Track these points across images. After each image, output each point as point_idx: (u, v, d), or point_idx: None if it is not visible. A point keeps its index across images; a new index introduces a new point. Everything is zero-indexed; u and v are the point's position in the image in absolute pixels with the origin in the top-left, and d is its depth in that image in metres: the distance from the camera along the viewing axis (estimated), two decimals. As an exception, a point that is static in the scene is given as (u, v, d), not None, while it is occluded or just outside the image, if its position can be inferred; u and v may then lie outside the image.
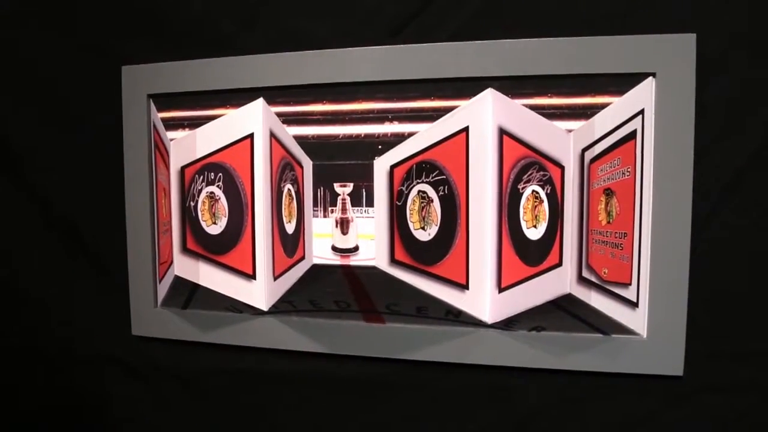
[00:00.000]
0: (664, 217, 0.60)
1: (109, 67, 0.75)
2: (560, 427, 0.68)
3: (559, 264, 0.61)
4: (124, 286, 0.77)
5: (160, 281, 0.75)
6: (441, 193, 0.63)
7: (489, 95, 0.62)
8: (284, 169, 0.68)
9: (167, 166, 0.72)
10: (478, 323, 0.64)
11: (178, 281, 0.73)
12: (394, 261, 0.65)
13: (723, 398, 0.63)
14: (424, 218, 0.63)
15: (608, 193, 0.60)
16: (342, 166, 0.64)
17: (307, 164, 0.68)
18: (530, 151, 0.61)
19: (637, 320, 0.62)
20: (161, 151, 0.73)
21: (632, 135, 0.59)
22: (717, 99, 0.60)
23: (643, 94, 0.59)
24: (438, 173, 0.63)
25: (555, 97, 0.60)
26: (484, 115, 0.62)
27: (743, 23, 0.59)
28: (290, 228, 0.69)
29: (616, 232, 0.60)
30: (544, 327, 0.64)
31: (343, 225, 0.66)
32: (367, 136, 0.63)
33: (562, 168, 0.61)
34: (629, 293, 0.61)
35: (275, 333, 0.72)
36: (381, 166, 0.65)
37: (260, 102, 0.68)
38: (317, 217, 0.67)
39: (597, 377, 0.64)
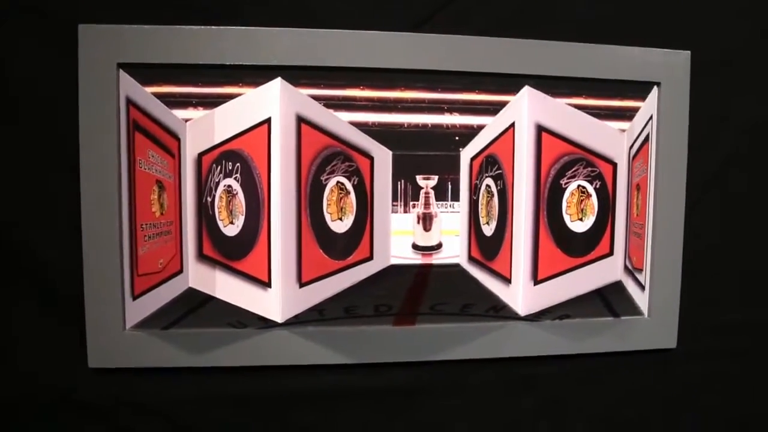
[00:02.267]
0: (662, 208, 0.68)
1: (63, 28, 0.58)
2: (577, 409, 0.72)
3: (611, 253, 0.66)
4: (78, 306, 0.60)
5: (136, 297, 0.60)
6: (499, 187, 0.62)
7: (525, 92, 0.63)
8: (329, 160, 0.60)
9: (172, 153, 0.58)
10: (515, 317, 0.65)
11: (191, 294, 0.60)
12: (471, 258, 0.62)
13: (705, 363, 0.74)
14: (488, 213, 0.62)
15: (638, 188, 0.66)
16: (424, 157, 0.59)
17: (381, 155, 0.61)
18: (575, 148, 0.64)
19: (644, 302, 0.69)
20: (154, 134, 0.58)
21: (648, 138, 0.66)
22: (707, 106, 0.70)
23: (653, 101, 0.67)
24: (497, 167, 0.62)
25: (589, 98, 0.64)
26: (522, 111, 0.63)
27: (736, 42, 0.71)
28: (341, 226, 0.61)
29: (639, 223, 0.67)
30: (568, 315, 0.67)
31: (426, 221, 0.60)
32: (435, 126, 0.59)
33: (614, 164, 0.65)
34: (642, 277, 0.68)
35: (285, 347, 0.63)
36: (465, 158, 0.62)
37: (278, 82, 0.59)
38: (396, 212, 0.60)
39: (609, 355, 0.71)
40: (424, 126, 0.60)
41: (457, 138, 0.61)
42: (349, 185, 0.61)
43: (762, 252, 0.73)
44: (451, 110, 0.61)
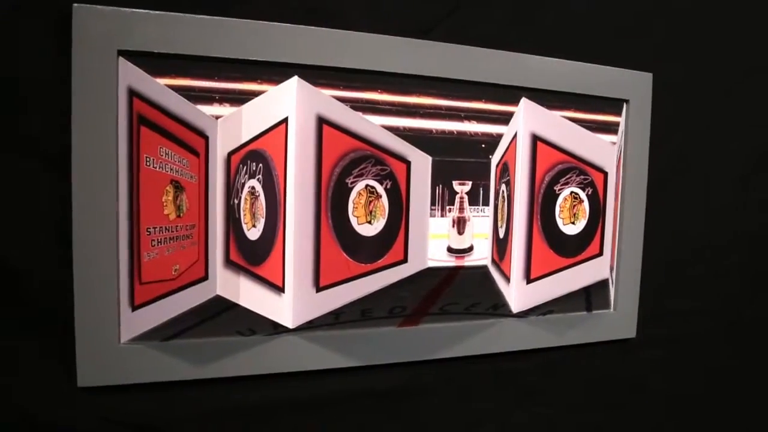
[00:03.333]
0: (627, 211, 0.76)
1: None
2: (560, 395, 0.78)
3: (600, 254, 0.72)
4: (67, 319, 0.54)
5: (134, 308, 0.54)
6: (507, 192, 0.66)
7: (522, 104, 0.67)
8: (356, 164, 0.59)
9: (195, 152, 0.54)
10: (508, 314, 0.69)
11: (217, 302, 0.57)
12: (492, 260, 0.64)
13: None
14: (502, 217, 0.65)
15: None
16: (458, 163, 0.61)
17: (420, 159, 0.62)
18: (569, 157, 0.69)
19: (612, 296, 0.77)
20: (168, 129, 0.53)
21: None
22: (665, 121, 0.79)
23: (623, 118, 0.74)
24: (507, 174, 0.65)
25: (577, 111, 0.70)
26: (519, 122, 0.67)
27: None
28: (369, 230, 0.60)
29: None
30: (552, 310, 0.73)
31: (460, 224, 0.61)
32: (459, 133, 0.61)
33: (605, 173, 0.71)
34: (613, 274, 0.76)
35: (286, 354, 0.61)
36: (493, 164, 0.64)
37: (294, 81, 0.57)
38: (434, 216, 0.60)
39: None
40: (450, 133, 0.62)
41: (483, 145, 0.64)
42: (380, 189, 0.61)
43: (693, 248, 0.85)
44: (468, 118, 0.63)
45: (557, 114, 0.69)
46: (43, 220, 0.54)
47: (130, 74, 0.53)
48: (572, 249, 0.72)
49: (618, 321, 0.78)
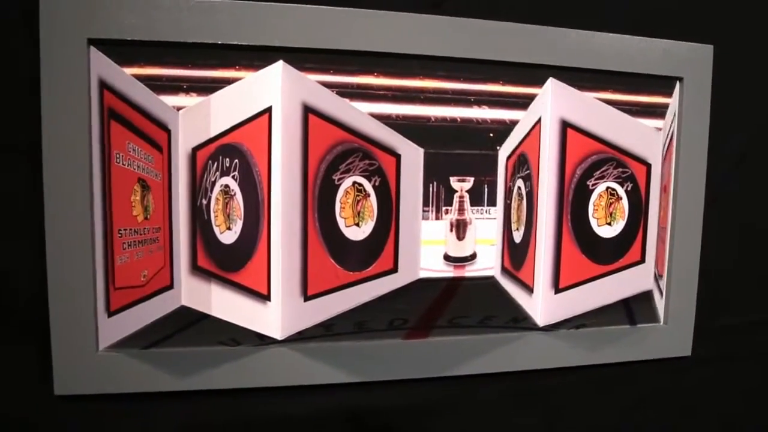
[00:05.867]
0: (681, 211, 0.64)
1: None
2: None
3: (642, 261, 0.62)
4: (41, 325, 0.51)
5: (111, 314, 0.51)
6: (527, 189, 0.57)
7: (549, 85, 0.58)
8: (344, 158, 0.52)
9: (159, 147, 0.49)
10: (533, 327, 0.60)
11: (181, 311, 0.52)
12: (503, 269, 0.56)
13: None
14: (519, 218, 0.56)
15: (665, 191, 0.62)
16: (458, 156, 0.53)
17: (411, 153, 0.54)
18: (605, 146, 0.59)
19: (661, 308, 0.66)
20: (135, 123, 0.49)
21: (673, 137, 0.63)
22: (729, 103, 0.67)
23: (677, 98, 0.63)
24: (527, 168, 0.56)
25: (617, 93, 0.59)
26: (546, 106, 0.58)
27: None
28: (357, 233, 0.53)
29: (663, 227, 0.63)
30: (585, 324, 0.63)
31: (460, 228, 0.54)
32: (464, 120, 0.53)
33: (648, 165, 0.60)
34: (663, 283, 0.65)
35: (281, 366, 0.56)
36: (502, 156, 0.55)
37: (279, 66, 0.51)
38: (426, 219, 0.54)
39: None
40: (453, 120, 0.54)
41: (491, 134, 0.55)
42: (368, 186, 0.53)
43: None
44: (479, 103, 0.55)
45: (591, 96, 0.59)
46: (17, 221, 0.52)
47: (101, 65, 0.49)
48: (608, 254, 0.61)
49: (670, 337, 0.67)
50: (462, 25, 0.56)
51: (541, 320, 0.60)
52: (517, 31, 0.57)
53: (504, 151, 0.57)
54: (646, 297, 0.63)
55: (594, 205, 0.60)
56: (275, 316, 0.53)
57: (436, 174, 0.55)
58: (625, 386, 0.69)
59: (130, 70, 0.49)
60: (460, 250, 0.56)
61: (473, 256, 0.57)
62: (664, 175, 0.63)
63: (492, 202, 0.57)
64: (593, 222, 0.60)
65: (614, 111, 0.59)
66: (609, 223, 0.61)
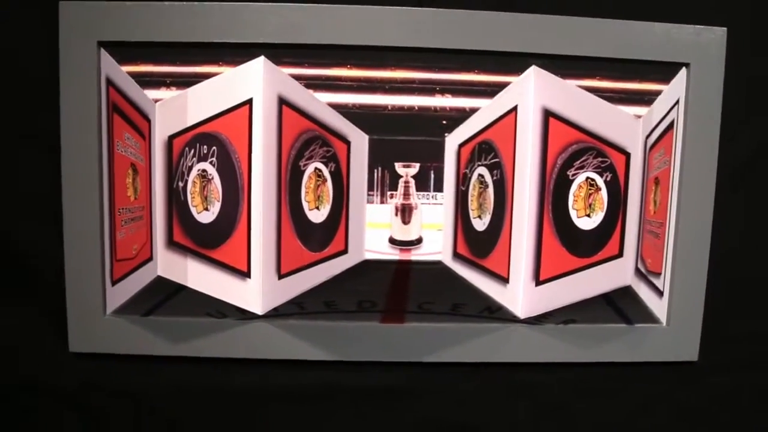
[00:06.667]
0: (687, 205, 0.60)
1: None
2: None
3: (619, 255, 0.59)
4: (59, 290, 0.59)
5: (114, 283, 0.58)
6: (495, 177, 0.57)
7: (531, 73, 0.57)
8: (308, 145, 0.56)
9: (143, 136, 0.56)
10: (513, 319, 0.60)
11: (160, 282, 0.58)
12: (456, 255, 0.57)
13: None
14: (481, 206, 0.56)
15: (657, 182, 0.59)
16: (405, 142, 0.55)
17: (358, 139, 0.57)
18: (585, 136, 0.57)
19: (661, 309, 0.62)
20: (129, 115, 0.56)
21: (672, 125, 0.59)
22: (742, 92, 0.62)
23: (680, 85, 0.59)
24: (493, 155, 0.56)
25: (604, 80, 0.57)
26: (528, 94, 0.57)
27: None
28: (318, 216, 0.57)
29: (657, 222, 0.60)
30: (574, 319, 0.61)
31: (405, 212, 0.56)
32: (422, 108, 0.55)
33: (627, 155, 0.58)
34: (659, 282, 0.61)
35: (267, 340, 0.60)
36: (452, 144, 0.56)
37: (261, 61, 0.56)
38: (372, 203, 0.56)
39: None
40: (410, 108, 0.55)
41: (444, 122, 0.56)
42: (326, 172, 0.57)
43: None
44: (443, 91, 0.55)
45: (573, 84, 0.57)
46: (39, 201, 0.60)
47: (107, 64, 0.56)
48: (588, 247, 0.59)
49: (672, 339, 0.63)
50: (438, 15, 0.56)
51: (521, 312, 0.60)
52: (499, 18, 0.57)
53: (455, 138, 0.57)
54: (627, 293, 0.60)
55: (574, 196, 0.58)
56: (256, 293, 0.58)
57: (384, 160, 0.56)
58: (624, 387, 0.66)
59: (127, 68, 0.56)
60: (406, 233, 0.57)
61: (419, 240, 0.58)
62: (651, 166, 0.59)
63: (439, 188, 0.57)
64: (572, 214, 0.58)
65: (594, 98, 0.57)
66: (588, 215, 0.59)
